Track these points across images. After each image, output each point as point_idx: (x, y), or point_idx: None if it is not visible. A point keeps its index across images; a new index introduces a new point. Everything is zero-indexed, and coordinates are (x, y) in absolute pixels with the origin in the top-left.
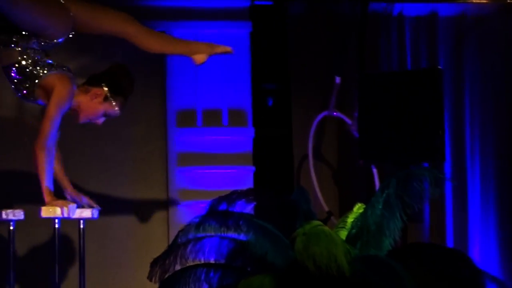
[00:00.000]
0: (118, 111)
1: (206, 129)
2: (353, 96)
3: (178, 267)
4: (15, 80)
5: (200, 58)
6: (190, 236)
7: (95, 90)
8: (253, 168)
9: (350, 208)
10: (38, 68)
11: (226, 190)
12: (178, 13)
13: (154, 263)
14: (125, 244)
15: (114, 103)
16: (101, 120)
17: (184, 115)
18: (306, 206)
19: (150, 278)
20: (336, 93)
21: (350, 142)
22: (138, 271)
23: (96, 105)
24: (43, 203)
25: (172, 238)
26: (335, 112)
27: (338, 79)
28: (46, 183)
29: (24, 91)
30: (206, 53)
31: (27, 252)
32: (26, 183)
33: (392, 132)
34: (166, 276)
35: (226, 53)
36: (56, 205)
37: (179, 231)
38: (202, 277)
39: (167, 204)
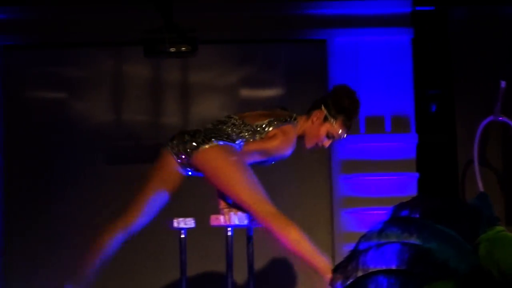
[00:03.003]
0: (341, 132)
1: (369, 136)
2: None
3: (359, 274)
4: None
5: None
6: (372, 243)
7: (315, 112)
8: (417, 174)
9: None
10: None
11: (390, 197)
12: (339, 21)
13: (336, 269)
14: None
15: (334, 123)
16: (326, 143)
17: None
18: (488, 211)
19: (332, 284)
20: (501, 97)
21: None
22: (305, 277)
23: (317, 127)
24: (214, 211)
25: (336, 245)
26: (501, 117)
27: (503, 83)
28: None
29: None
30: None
31: (199, 260)
32: (197, 191)
33: None
34: (348, 282)
35: None
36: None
37: (361, 237)
38: (385, 284)
39: (331, 211)
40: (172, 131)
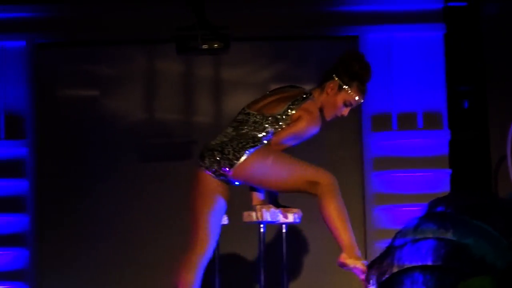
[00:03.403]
0: (358, 98)
1: (401, 132)
2: None
3: (395, 270)
4: None
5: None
6: (407, 238)
7: (328, 84)
8: (450, 171)
9: None
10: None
11: (422, 193)
12: (371, 17)
13: (371, 265)
14: (324, 248)
15: (350, 91)
16: (345, 111)
17: (379, 119)
18: None
19: (367, 280)
20: None
21: None
22: (337, 274)
23: (333, 98)
24: (247, 208)
25: (369, 242)
26: None
27: None
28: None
29: None
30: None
31: (232, 256)
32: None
33: None
34: (383, 279)
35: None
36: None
37: (397, 233)
38: (420, 280)
39: (363, 208)
40: (205, 128)
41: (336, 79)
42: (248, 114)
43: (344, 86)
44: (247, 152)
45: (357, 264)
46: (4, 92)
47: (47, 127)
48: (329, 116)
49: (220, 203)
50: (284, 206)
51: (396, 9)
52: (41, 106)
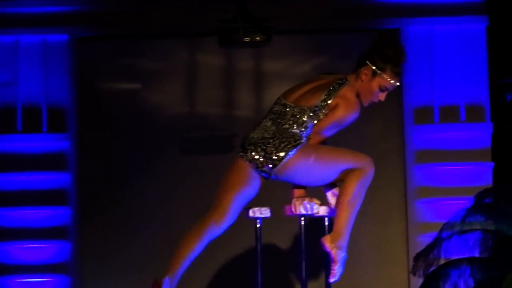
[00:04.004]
0: (393, 81)
1: (443, 125)
2: None
3: (442, 262)
4: None
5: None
6: (454, 230)
7: (362, 70)
8: (492, 164)
9: None
10: None
11: (464, 187)
12: (413, 10)
13: (417, 257)
14: (363, 241)
15: (384, 75)
16: (382, 96)
17: (421, 112)
18: None
19: (413, 272)
20: None
21: None
22: (378, 268)
23: (368, 83)
24: (289, 201)
25: (410, 235)
26: None
27: None
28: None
29: None
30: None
31: (274, 250)
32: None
33: None
34: (430, 271)
35: None
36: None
37: (443, 225)
38: (467, 271)
39: (405, 201)
40: (246, 121)
41: (370, 64)
42: (285, 105)
43: (378, 71)
44: (290, 153)
45: (333, 251)
46: (46, 86)
47: (88, 121)
48: (366, 101)
49: (250, 190)
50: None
51: (438, 1)
52: (83, 99)
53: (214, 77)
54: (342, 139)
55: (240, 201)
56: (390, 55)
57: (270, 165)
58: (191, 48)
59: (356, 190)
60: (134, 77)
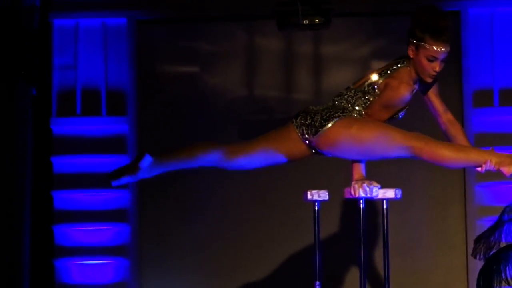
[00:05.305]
0: (437, 48)
1: (504, 108)
2: None
3: (503, 245)
4: None
5: (507, 169)
6: None
7: (408, 48)
8: None
9: None
10: None
11: None
12: None
13: (478, 240)
14: (422, 225)
15: (425, 45)
16: (435, 66)
17: (481, 95)
18: None
19: (473, 255)
20: None
21: None
22: (437, 252)
23: (417, 59)
24: (347, 184)
25: (469, 219)
26: None
27: None
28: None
29: None
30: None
31: (332, 233)
32: (331, 163)
33: None
34: (491, 253)
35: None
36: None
37: (505, 208)
38: None
39: (463, 185)
40: (304, 104)
41: (411, 39)
42: (348, 88)
43: (418, 43)
44: (332, 121)
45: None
46: (105, 69)
47: (148, 104)
48: (425, 77)
49: (284, 153)
50: None
51: None
52: (142, 82)
53: (273, 60)
54: (401, 122)
55: (267, 156)
56: (425, 21)
57: (312, 134)
58: (250, 31)
59: (442, 152)
60: (193, 60)
